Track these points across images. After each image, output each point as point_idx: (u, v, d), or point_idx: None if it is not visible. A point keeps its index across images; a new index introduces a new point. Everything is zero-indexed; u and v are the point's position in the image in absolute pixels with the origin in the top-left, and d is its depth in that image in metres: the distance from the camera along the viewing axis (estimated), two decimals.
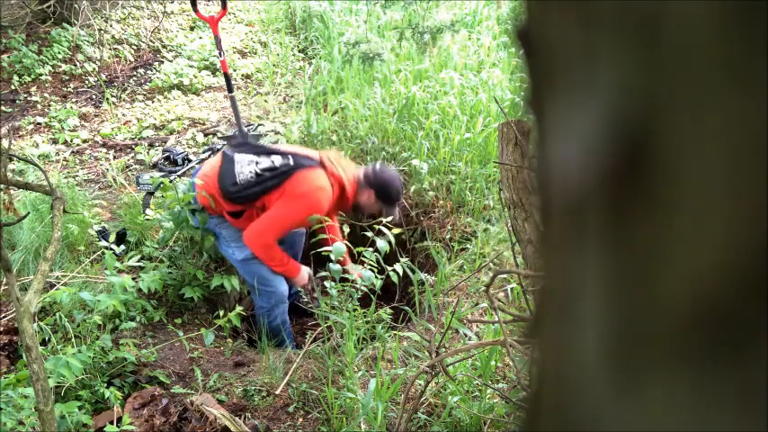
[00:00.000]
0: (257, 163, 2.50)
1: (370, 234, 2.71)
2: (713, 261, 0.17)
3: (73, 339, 2.19)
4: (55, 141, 3.94)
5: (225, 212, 2.59)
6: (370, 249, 2.48)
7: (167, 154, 3.67)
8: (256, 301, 2.74)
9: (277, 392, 2.19)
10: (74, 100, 4.46)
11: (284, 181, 2.45)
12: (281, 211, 2.48)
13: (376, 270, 2.41)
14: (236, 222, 2.61)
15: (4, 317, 2.35)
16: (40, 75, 4.64)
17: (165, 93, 4.54)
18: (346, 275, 2.40)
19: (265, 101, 4.28)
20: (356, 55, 3.21)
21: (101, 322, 2.28)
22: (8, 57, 4.71)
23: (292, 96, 4.37)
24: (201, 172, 2.64)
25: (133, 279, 2.44)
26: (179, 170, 3.49)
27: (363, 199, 2.62)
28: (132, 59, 5.03)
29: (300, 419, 2.12)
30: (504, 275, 2.53)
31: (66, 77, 4.72)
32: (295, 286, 2.80)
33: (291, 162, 2.49)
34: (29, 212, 2.27)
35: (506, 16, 4.60)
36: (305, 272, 2.76)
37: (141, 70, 4.90)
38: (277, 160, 2.50)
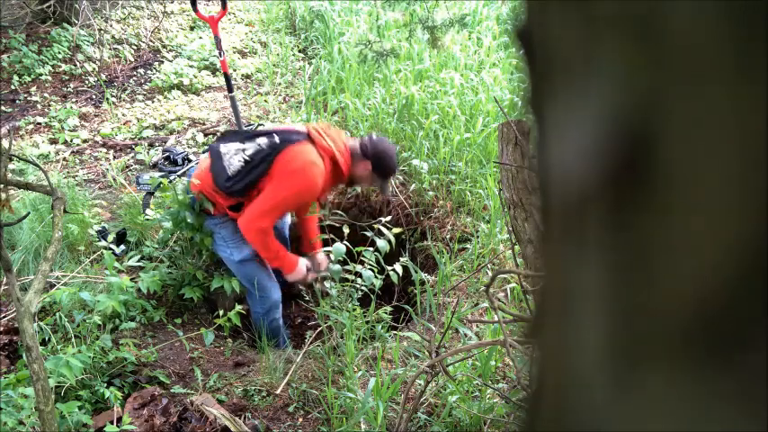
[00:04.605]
0: (244, 150, 2.40)
1: (369, 234, 2.72)
2: (713, 260, 0.17)
3: (73, 339, 2.19)
4: (55, 141, 3.94)
5: (226, 209, 2.55)
6: (371, 249, 2.48)
7: (167, 154, 3.67)
8: (251, 305, 2.72)
9: (277, 392, 2.19)
10: (74, 100, 4.46)
11: (273, 161, 2.35)
12: (274, 192, 2.37)
13: (376, 270, 2.41)
14: (239, 216, 2.53)
15: (5, 317, 2.35)
16: (40, 75, 4.64)
17: (165, 93, 4.53)
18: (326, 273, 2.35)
19: (265, 101, 4.27)
20: (369, 54, 3.20)
21: (101, 322, 2.28)
22: (8, 57, 4.71)
23: (292, 96, 4.37)
24: (195, 172, 2.58)
25: (132, 279, 2.44)
26: (179, 170, 3.49)
27: (359, 171, 2.49)
28: (132, 59, 5.03)
29: (300, 419, 2.12)
30: (504, 275, 2.53)
31: (66, 77, 4.72)
32: (292, 278, 2.65)
33: (277, 140, 2.39)
34: (29, 212, 2.27)
35: (506, 16, 4.60)
36: (302, 264, 2.61)
37: (141, 70, 4.90)
38: (263, 142, 2.40)
